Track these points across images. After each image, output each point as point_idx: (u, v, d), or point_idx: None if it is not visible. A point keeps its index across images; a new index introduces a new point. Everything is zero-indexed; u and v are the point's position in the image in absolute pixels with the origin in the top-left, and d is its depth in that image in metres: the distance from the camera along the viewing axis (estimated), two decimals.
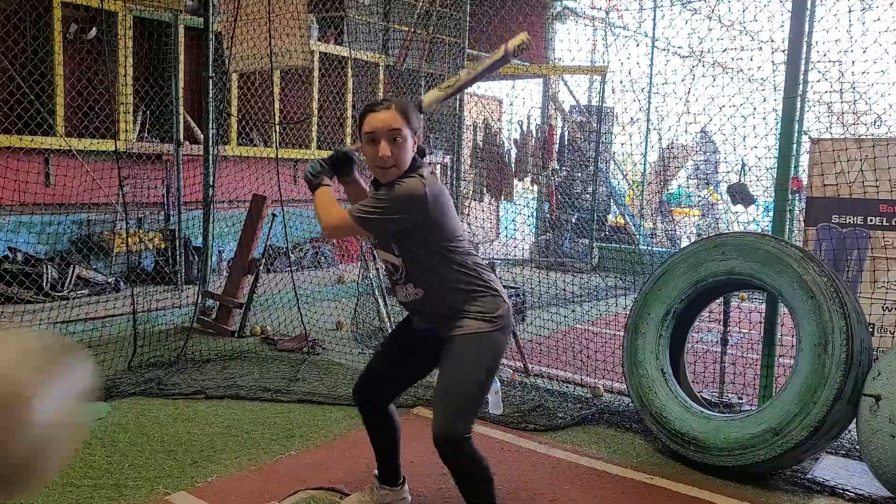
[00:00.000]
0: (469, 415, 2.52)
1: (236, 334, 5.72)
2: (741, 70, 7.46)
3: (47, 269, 6.36)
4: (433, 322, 2.66)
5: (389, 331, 5.35)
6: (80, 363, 1.36)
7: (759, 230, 8.18)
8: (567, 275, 8.62)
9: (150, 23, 7.32)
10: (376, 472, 2.96)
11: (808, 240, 4.26)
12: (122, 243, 6.99)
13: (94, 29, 6.94)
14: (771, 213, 4.21)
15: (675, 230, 10.37)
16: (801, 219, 4.84)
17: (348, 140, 9.24)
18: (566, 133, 10.53)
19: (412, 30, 8.23)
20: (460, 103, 7.96)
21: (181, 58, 7.25)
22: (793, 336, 3.54)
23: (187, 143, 7.42)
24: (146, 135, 7.41)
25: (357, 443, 3.66)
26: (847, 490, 3.33)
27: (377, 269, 5.66)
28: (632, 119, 9.95)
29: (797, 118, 4.03)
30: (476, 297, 2.58)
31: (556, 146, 10.31)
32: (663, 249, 9.33)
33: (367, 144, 2.50)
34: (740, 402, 4.30)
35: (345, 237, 2.57)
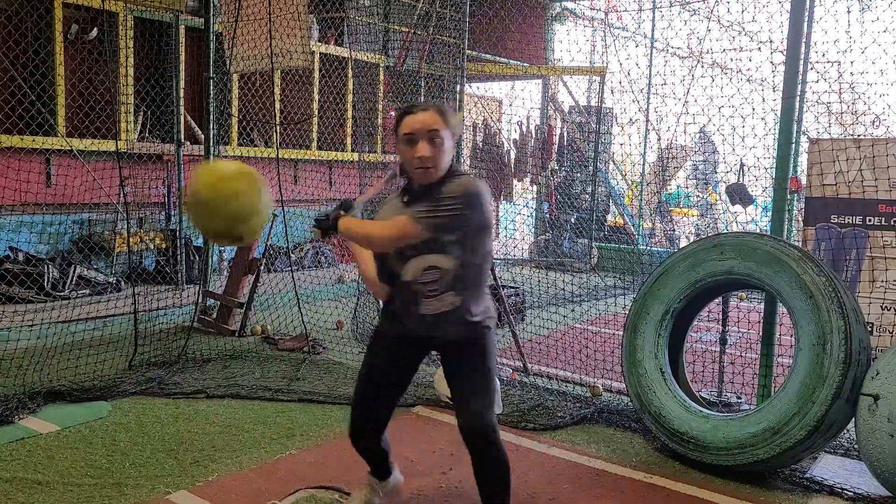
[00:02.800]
0: (494, 405, 2.62)
1: (237, 334, 5.73)
2: (740, 70, 7.48)
3: (48, 268, 6.37)
4: (449, 328, 2.58)
5: None
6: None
7: (758, 230, 8.20)
8: (566, 274, 8.64)
9: (150, 23, 7.33)
10: (370, 471, 2.98)
11: (807, 240, 4.27)
12: (123, 243, 7.00)
13: (94, 29, 6.95)
14: (769, 213, 4.22)
15: (673, 230, 10.39)
16: (800, 219, 4.85)
17: (348, 140, 9.25)
18: (565, 133, 10.55)
19: (412, 30, 8.24)
20: (460, 104, 7.97)
21: (182, 58, 7.26)
22: (791, 335, 3.56)
23: (188, 143, 7.43)
24: (147, 135, 7.42)
25: None
26: (846, 489, 3.34)
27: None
28: (631, 119, 9.98)
29: (796, 118, 4.04)
30: (485, 299, 2.64)
31: (556, 146, 10.33)
32: (662, 249, 9.35)
33: (405, 146, 2.46)
34: (739, 401, 4.31)
35: (405, 243, 2.46)
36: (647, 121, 9.82)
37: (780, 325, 3.95)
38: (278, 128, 7.75)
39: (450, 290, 2.51)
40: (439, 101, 2.69)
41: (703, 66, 8.16)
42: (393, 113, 2.70)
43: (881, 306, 4.11)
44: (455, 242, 2.48)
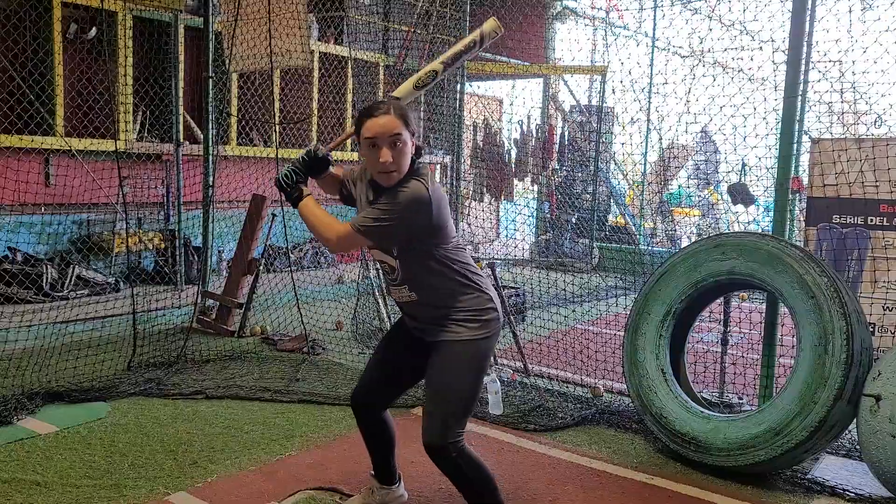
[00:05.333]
0: (456, 423, 2.51)
1: (236, 334, 5.72)
2: (741, 70, 7.47)
3: (47, 269, 6.36)
4: (424, 324, 2.64)
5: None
6: None
7: (760, 230, 8.18)
8: (567, 275, 8.62)
9: (150, 23, 7.32)
10: (372, 472, 2.95)
11: (809, 240, 4.26)
12: (121, 243, 6.99)
13: (94, 29, 6.94)
14: (771, 213, 4.21)
15: (675, 230, 10.37)
16: (802, 219, 4.84)
17: (347, 141, 9.22)
18: (566, 133, 10.53)
19: (412, 30, 8.23)
20: (460, 103, 7.95)
21: (181, 57, 7.25)
22: (793, 336, 3.54)
23: (187, 142, 7.42)
24: (146, 135, 7.41)
25: (357, 443, 3.64)
26: (847, 490, 3.33)
27: (377, 270, 5.65)
28: (632, 119, 9.97)
29: (797, 118, 4.02)
30: (466, 300, 2.56)
31: (556, 146, 10.31)
32: (663, 249, 9.33)
33: (368, 150, 2.47)
34: (740, 402, 4.30)
35: (349, 250, 2.54)
36: (649, 120, 9.80)
37: (782, 326, 3.94)
38: (278, 127, 7.73)
39: (404, 285, 2.59)
40: (396, 100, 2.64)
41: (704, 65, 8.14)
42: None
43: (883, 307, 4.09)
44: (396, 245, 2.55)
